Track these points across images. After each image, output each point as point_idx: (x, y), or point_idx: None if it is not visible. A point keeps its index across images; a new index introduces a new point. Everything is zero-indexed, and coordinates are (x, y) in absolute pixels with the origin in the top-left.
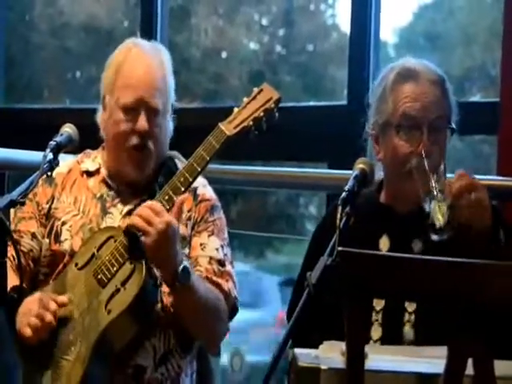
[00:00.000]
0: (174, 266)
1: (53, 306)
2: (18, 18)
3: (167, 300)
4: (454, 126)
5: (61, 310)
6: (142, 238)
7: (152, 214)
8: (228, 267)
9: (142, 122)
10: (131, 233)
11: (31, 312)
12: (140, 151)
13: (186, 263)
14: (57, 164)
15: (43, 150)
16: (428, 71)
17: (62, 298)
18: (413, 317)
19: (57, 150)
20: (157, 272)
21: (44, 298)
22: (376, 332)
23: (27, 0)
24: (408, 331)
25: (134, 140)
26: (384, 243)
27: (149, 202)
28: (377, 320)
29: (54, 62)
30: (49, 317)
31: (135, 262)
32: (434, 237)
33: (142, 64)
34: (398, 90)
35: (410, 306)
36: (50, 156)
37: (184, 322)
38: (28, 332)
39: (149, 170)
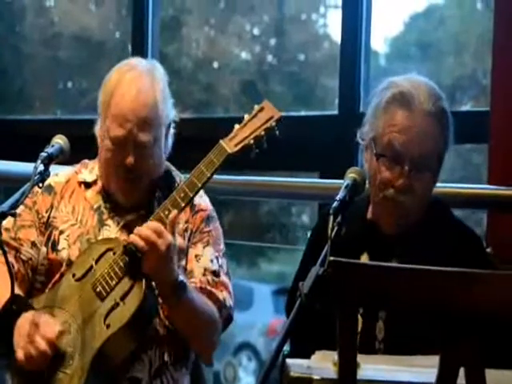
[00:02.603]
0: (171, 281)
1: (49, 332)
2: (8, 29)
3: (163, 314)
4: (440, 164)
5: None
6: (144, 258)
7: (154, 235)
8: (223, 277)
9: (129, 159)
10: (131, 251)
11: (25, 335)
12: (127, 183)
13: (182, 277)
14: (48, 175)
15: (34, 161)
16: (426, 99)
17: (57, 328)
18: (382, 346)
19: (48, 162)
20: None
21: (38, 321)
22: None
23: (18, 10)
24: None
25: (122, 172)
26: (364, 260)
27: (150, 223)
28: None
29: (45, 72)
30: (43, 345)
31: (134, 277)
32: None
33: (133, 93)
34: (390, 113)
35: (380, 334)
36: (41, 167)
37: (180, 333)
38: (20, 356)
39: (139, 195)
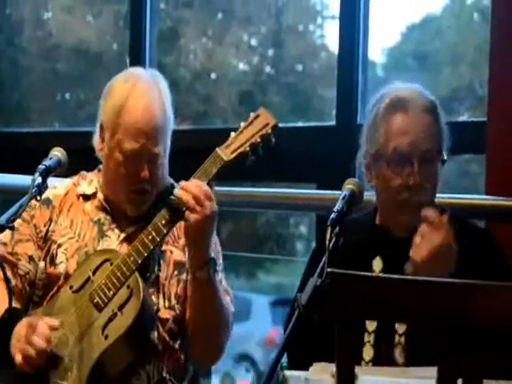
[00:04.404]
0: (207, 251)
1: (45, 330)
2: (6, 41)
3: (162, 328)
4: (445, 156)
5: (54, 333)
6: (187, 214)
7: (203, 196)
8: (225, 285)
9: (145, 171)
10: (174, 206)
11: (22, 338)
12: (139, 194)
13: (213, 255)
14: (45, 188)
15: (32, 173)
16: (419, 99)
17: (53, 322)
18: (403, 339)
19: (46, 174)
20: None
21: (34, 323)
22: (368, 353)
23: (16, 23)
24: (399, 354)
25: (134, 185)
26: (377, 264)
27: (200, 183)
28: (369, 341)
29: (43, 84)
30: (40, 343)
31: (132, 286)
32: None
33: (144, 105)
34: (389, 121)
35: (400, 328)
36: (39, 180)
37: (196, 324)
38: (19, 359)
39: (147, 207)
